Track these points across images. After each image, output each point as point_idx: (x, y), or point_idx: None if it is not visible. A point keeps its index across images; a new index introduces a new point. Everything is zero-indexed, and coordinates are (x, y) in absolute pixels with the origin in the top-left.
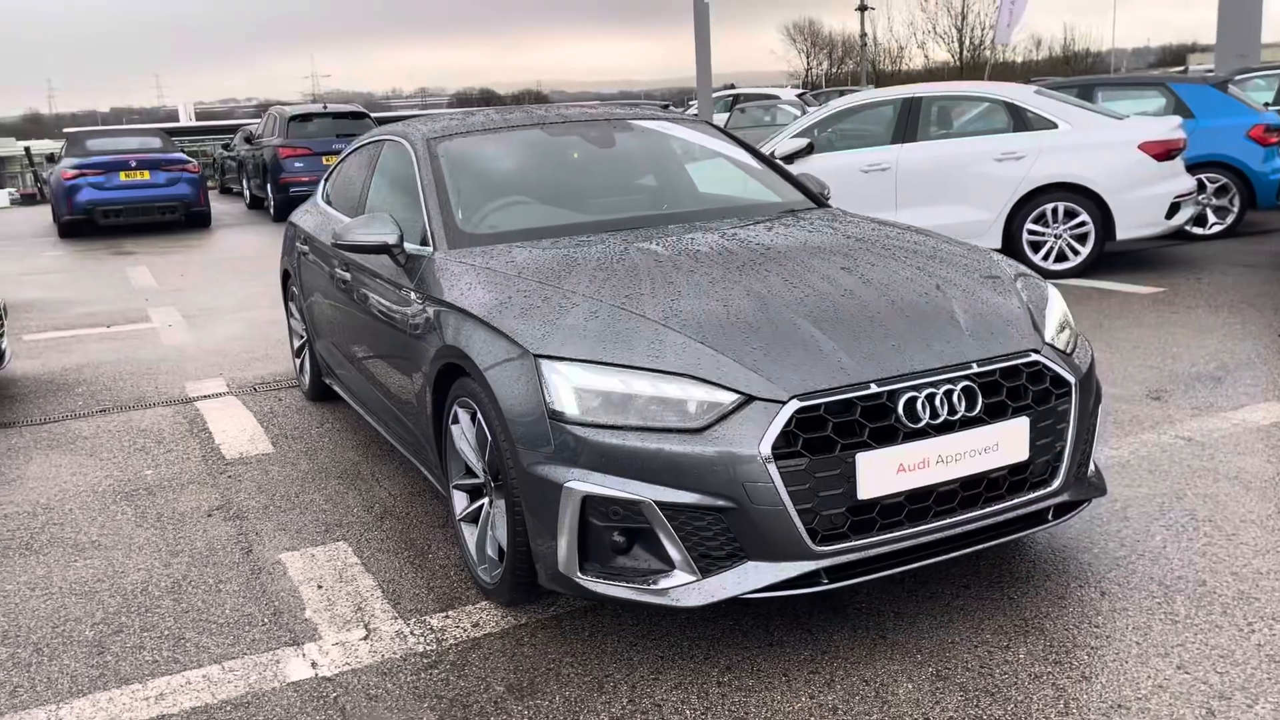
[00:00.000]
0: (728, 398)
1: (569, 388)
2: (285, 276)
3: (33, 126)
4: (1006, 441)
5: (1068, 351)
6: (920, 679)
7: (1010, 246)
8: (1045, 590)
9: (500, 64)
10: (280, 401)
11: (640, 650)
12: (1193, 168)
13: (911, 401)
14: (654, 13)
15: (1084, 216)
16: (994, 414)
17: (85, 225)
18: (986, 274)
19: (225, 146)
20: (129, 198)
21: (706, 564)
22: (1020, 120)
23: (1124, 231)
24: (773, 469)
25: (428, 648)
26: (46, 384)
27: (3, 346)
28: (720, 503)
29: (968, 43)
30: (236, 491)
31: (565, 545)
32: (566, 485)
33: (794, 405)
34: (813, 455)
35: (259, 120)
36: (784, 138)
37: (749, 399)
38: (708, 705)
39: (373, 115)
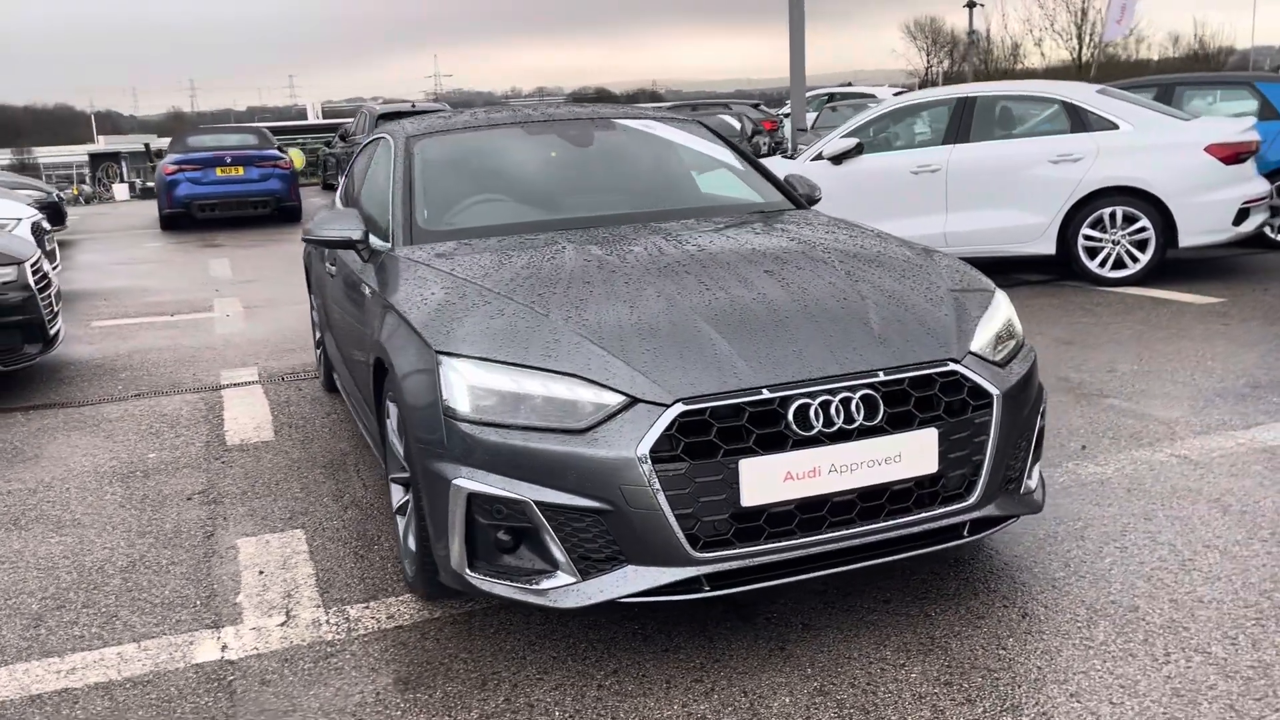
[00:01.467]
0: (614, 399)
1: (463, 385)
2: (306, 270)
3: (175, 123)
4: (911, 453)
5: (999, 362)
6: (801, 693)
7: (1065, 252)
8: (966, 609)
9: (615, 63)
10: (299, 391)
11: (537, 649)
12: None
13: (804, 408)
14: (771, 10)
15: (1144, 222)
16: (898, 424)
17: (183, 218)
18: (924, 281)
19: (327, 144)
20: (223, 192)
21: (586, 566)
22: (1079, 120)
23: (1186, 238)
24: (650, 472)
25: (336, 637)
26: (96, 368)
27: (57, 328)
28: (599, 505)
29: (1088, 40)
30: (223, 477)
31: (456, 542)
32: (454, 483)
33: (678, 409)
34: (693, 460)
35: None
36: (834, 137)
37: (634, 401)
38: (580, 708)
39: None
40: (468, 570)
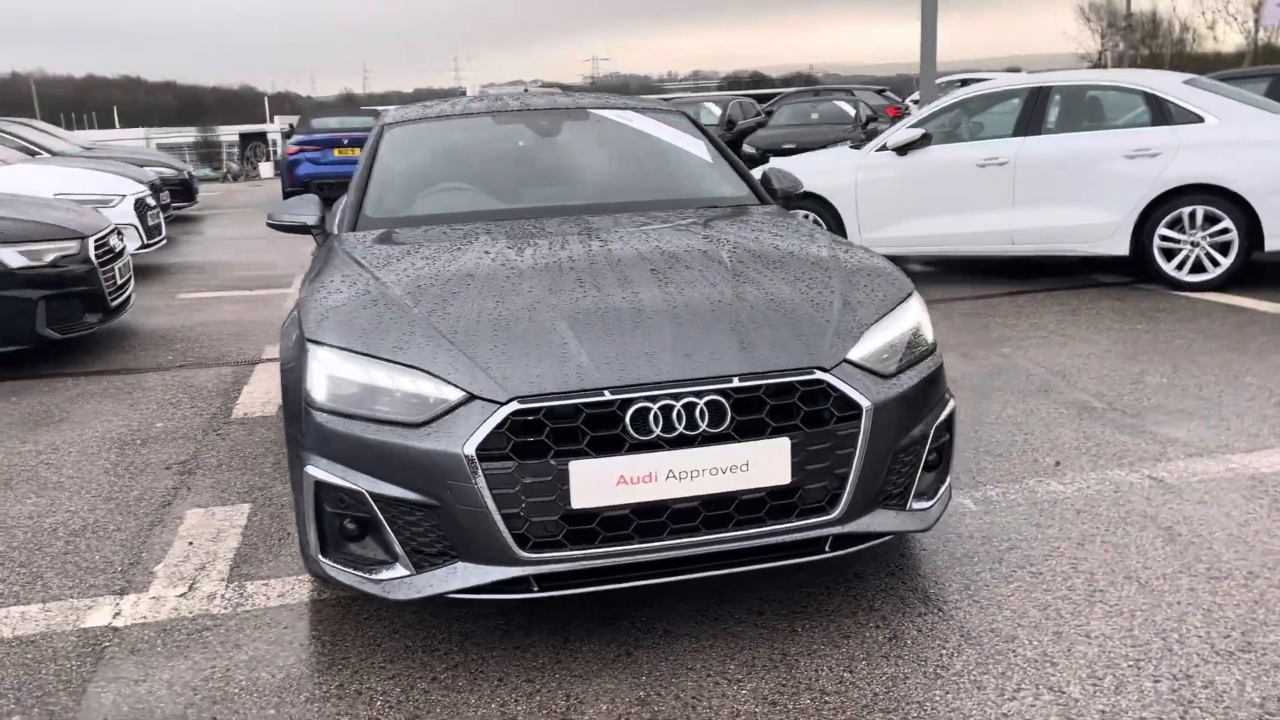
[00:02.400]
0: (454, 395)
1: (323, 374)
2: None
3: (344, 104)
4: (761, 462)
5: (884, 372)
6: (622, 701)
7: (1140, 254)
8: (836, 626)
9: (772, 47)
10: None
11: (397, 638)
12: None
13: (643, 412)
14: None
15: (1227, 223)
16: (747, 432)
17: None
18: (821, 286)
19: None
20: (339, 171)
21: (420, 560)
22: (1160, 113)
23: (1273, 241)
24: (477, 470)
25: (222, 611)
26: (159, 338)
27: (122, 298)
28: (428, 500)
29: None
30: (210, 449)
31: (311, 530)
32: (305, 470)
33: (512, 406)
34: (522, 459)
35: None
36: (900, 127)
37: (471, 398)
38: (404, 700)
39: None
40: (321, 557)
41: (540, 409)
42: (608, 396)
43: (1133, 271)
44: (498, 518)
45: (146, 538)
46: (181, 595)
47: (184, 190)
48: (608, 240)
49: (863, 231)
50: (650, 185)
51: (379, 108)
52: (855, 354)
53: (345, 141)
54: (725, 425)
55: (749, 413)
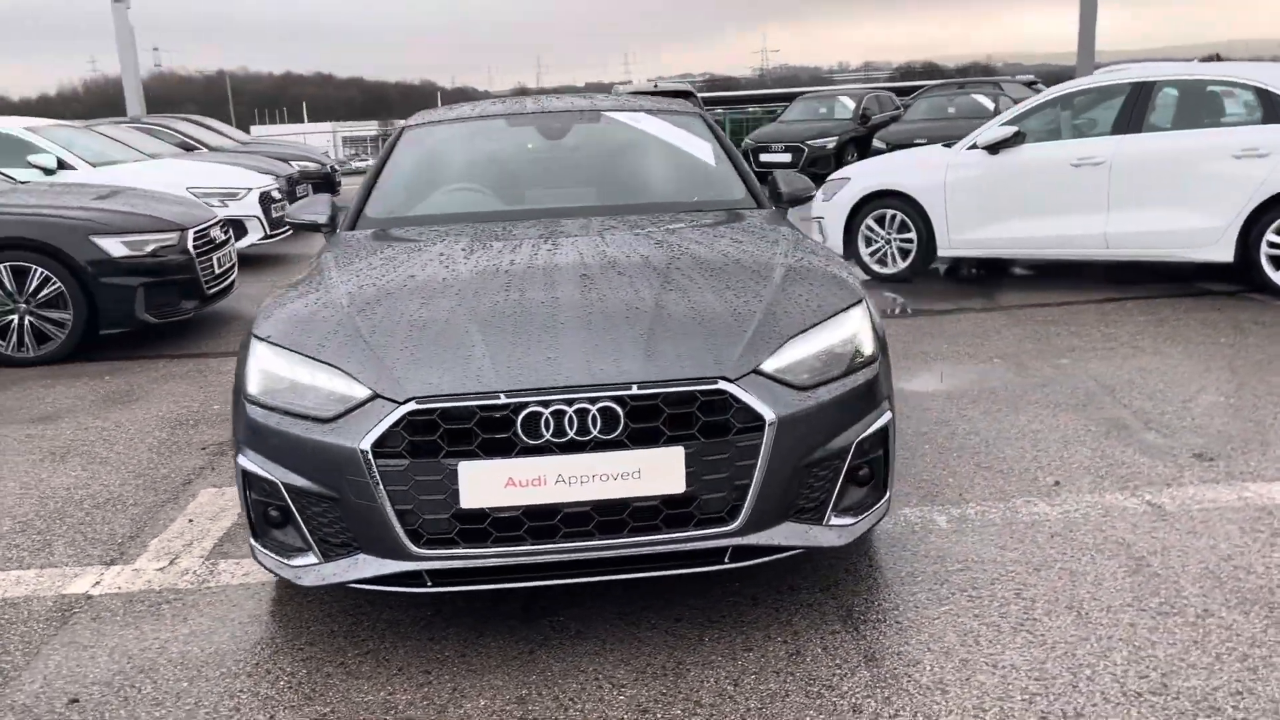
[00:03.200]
0: (361, 393)
1: (256, 368)
2: None
3: (519, 95)
4: (653, 470)
5: (799, 384)
6: (502, 699)
7: (1246, 261)
8: (745, 637)
9: (950, 36)
10: None
11: (323, 623)
12: None
13: (535, 416)
14: None
15: None
16: (641, 440)
17: None
18: (750, 294)
19: None
20: None
21: (327, 549)
22: (1273, 110)
23: None
24: (372, 466)
25: (187, 586)
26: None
27: (221, 286)
28: (330, 493)
29: None
30: None
31: (245, 516)
32: (237, 459)
33: (409, 406)
34: (414, 458)
35: None
36: (994, 124)
37: (375, 396)
38: (303, 682)
39: (698, 95)
40: (253, 541)
41: (436, 410)
42: (502, 400)
43: (1246, 280)
44: (391, 513)
45: (156, 514)
46: (160, 569)
47: (325, 183)
48: (560, 245)
49: (951, 233)
50: (643, 189)
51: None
52: (769, 365)
53: None
54: (618, 432)
55: (645, 420)
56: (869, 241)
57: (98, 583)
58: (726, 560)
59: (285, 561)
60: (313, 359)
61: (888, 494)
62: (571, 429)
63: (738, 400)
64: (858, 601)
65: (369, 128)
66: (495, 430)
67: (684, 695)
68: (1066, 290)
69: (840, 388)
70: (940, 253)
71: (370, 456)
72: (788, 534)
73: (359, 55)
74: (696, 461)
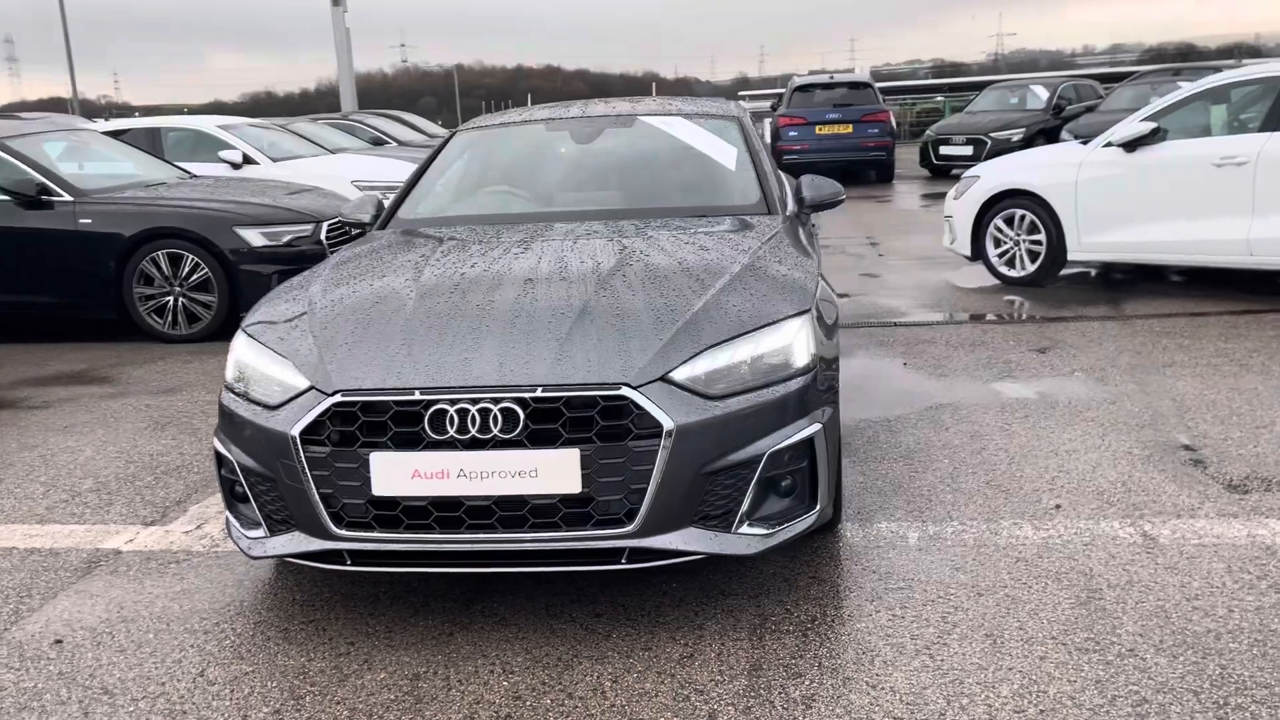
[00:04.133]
0: (302, 384)
1: (233, 357)
2: None
3: (739, 88)
4: (550, 470)
5: (709, 394)
6: (400, 675)
7: None
8: (648, 638)
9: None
10: None
11: (297, 591)
12: None
13: (441, 413)
14: None
15: None
16: (540, 441)
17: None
18: (684, 300)
19: (773, 107)
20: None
21: (272, 525)
22: None
23: None
24: (300, 451)
25: (200, 549)
26: None
27: None
28: (268, 473)
29: None
30: None
31: (220, 492)
32: (213, 439)
33: (336, 398)
34: (335, 446)
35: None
36: (1132, 120)
37: (311, 388)
38: (240, 644)
39: (876, 85)
40: (229, 513)
41: (357, 403)
42: (416, 396)
43: None
44: (315, 495)
45: (210, 482)
46: (186, 532)
47: None
48: (533, 249)
49: (1081, 235)
50: (652, 195)
51: (762, 92)
52: (681, 372)
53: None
54: (517, 432)
55: (545, 422)
56: (997, 243)
57: (131, 540)
58: (624, 561)
59: (244, 533)
60: (273, 351)
61: (818, 506)
62: (474, 427)
63: (638, 406)
64: (777, 611)
65: None
66: (407, 424)
67: (561, 687)
68: (1201, 300)
69: (757, 398)
70: (1070, 256)
71: (299, 442)
72: (689, 539)
73: (588, 47)
74: (593, 464)
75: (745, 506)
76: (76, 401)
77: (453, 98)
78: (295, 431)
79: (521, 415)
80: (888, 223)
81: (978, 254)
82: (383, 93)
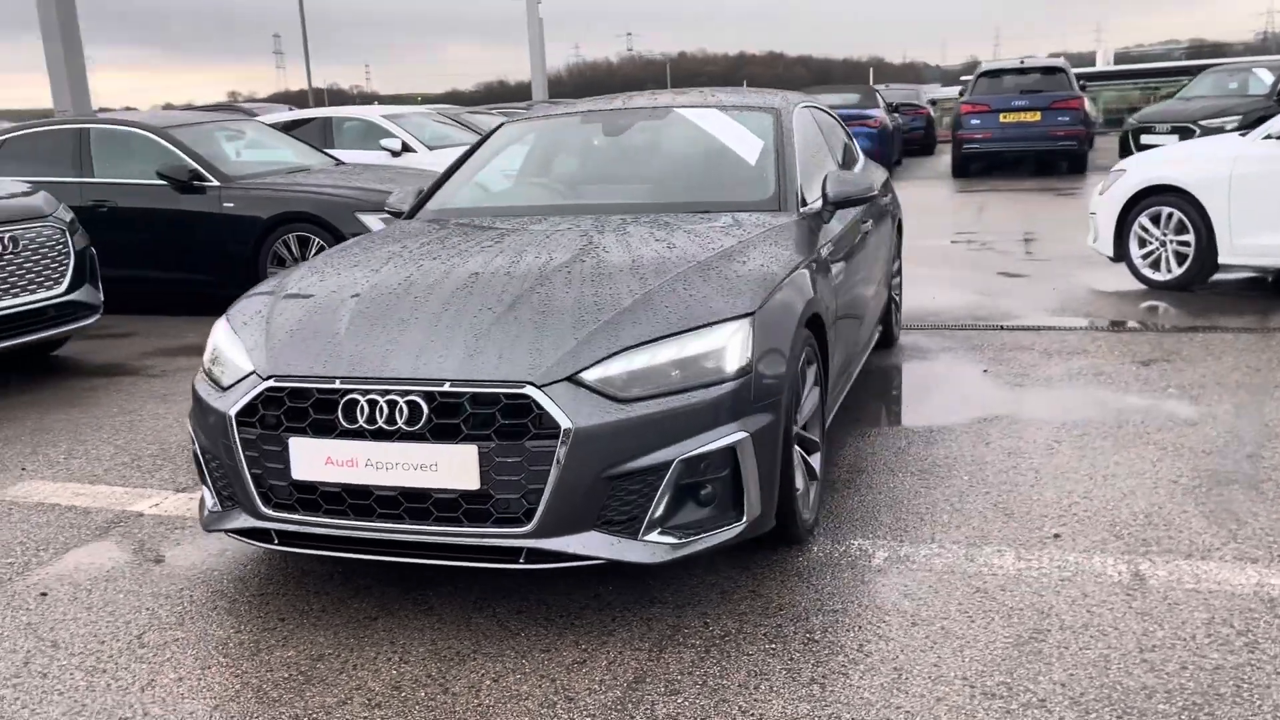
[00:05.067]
0: (249, 367)
1: (210, 341)
2: None
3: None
4: (449, 465)
5: (619, 397)
6: (305, 655)
7: None
8: (555, 640)
9: None
10: None
11: (256, 565)
12: None
13: (353, 403)
14: None
15: None
16: (441, 435)
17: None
18: (617, 298)
19: (961, 92)
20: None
21: (222, 500)
22: None
23: None
24: (234, 431)
25: None
26: None
27: None
28: (213, 450)
29: None
30: None
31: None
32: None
33: (269, 384)
34: (262, 429)
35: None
36: None
37: (253, 372)
38: (193, 611)
39: (1070, 70)
40: (203, 486)
41: (286, 389)
42: (336, 385)
43: None
44: (247, 475)
45: None
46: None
47: None
48: (504, 242)
49: (1234, 236)
50: (663, 189)
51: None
52: (593, 373)
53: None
54: (420, 425)
55: (448, 417)
56: (1142, 243)
57: (156, 505)
58: (522, 561)
59: (205, 506)
60: (235, 334)
61: (744, 518)
62: (381, 418)
63: (539, 406)
64: (694, 623)
65: None
66: (325, 412)
67: (443, 682)
68: None
69: (674, 402)
70: (1221, 259)
71: (234, 423)
72: (589, 543)
73: (811, 35)
74: (491, 461)
75: (656, 513)
76: (189, 373)
77: (673, 85)
78: (232, 412)
79: (426, 409)
80: (1055, 218)
81: (1120, 255)
82: (608, 80)
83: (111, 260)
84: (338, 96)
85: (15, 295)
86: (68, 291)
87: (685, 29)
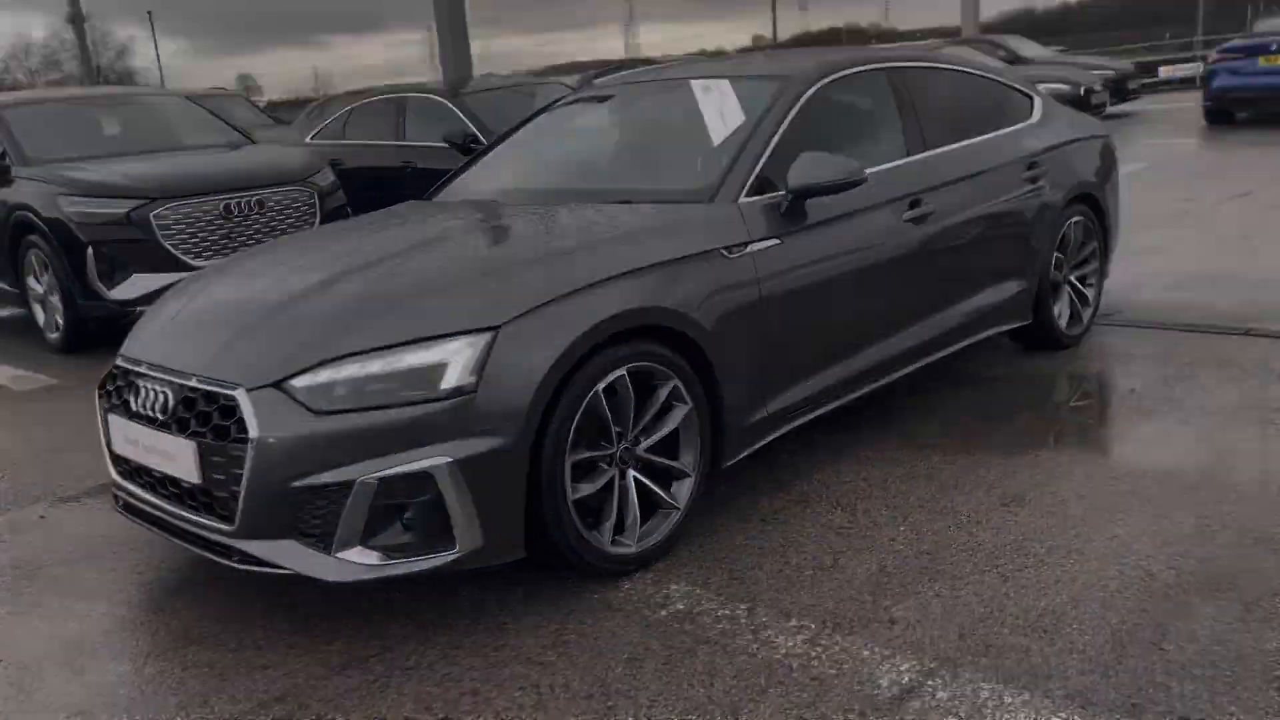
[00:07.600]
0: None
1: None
2: None
3: None
4: (180, 457)
5: (315, 408)
6: (226, 647)
7: None
8: (444, 642)
9: None
10: None
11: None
12: None
13: (138, 388)
14: None
15: None
16: (180, 428)
17: (1224, 114)
18: (374, 302)
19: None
20: (1263, 84)
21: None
22: None
23: None
24: (98, 403)
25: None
26: None
27: None
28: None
29: None
30: None
31: None
32: None
33: (118, 361)
34: (107, 404)
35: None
36: None
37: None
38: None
39: None
40: None
41: (121, 369)
42: (143, 369)
43: None
44: (103, 439)
45: None
46: None
47: (1117, 88)
48: (381, 234)
49: None
50: (609, 175)
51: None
52: (302, 380)
53: (1274, 47)
54: (167, 416)
55: (186, 411)
56: None
57: None
58: (235, 560)
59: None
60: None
61: (457, 547)
62: (154, 406)
63: (239, 410)
64: (551, 641)
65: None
66: (128, 395)
67: (324, 682)
68: None
69: (372, 419)
70: None
71: (97, 394)
72: (284, 551)
73: None
74: (207, 459)
75: (349, 531)
76: None
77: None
78: (98, 386)
79: (173, 401)
80: None
81: None
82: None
83: None
84: (856, 35)
85: None
86: None
87: None
